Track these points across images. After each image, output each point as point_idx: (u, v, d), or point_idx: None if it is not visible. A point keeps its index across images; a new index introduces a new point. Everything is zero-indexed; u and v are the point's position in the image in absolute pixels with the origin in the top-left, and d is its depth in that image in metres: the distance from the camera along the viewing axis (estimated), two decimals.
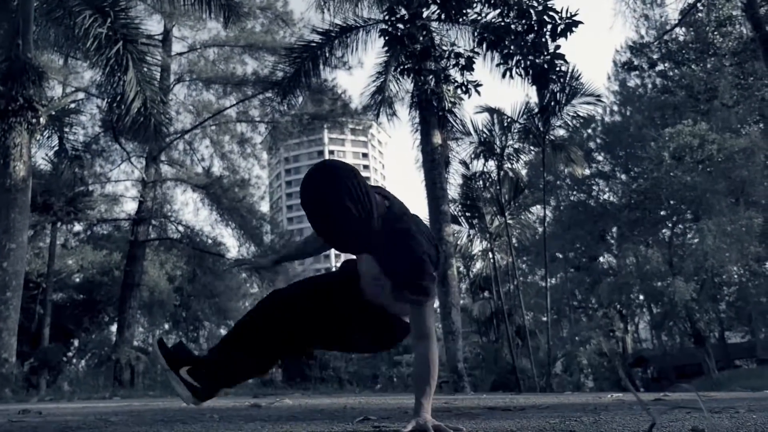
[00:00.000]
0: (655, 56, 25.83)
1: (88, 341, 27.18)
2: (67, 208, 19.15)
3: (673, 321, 29.39)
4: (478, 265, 21.42)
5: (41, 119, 10.64)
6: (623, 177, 39.09)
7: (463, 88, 8.46)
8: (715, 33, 17.81)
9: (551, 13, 6.20)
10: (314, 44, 14.57)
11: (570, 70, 11.33)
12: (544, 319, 34.36)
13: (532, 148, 16.31)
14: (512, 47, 6.44)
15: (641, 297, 33.20)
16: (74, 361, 27.21)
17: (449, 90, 10.03)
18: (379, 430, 1.90)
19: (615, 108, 36.55)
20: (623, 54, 35.33)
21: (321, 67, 15.21)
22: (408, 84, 13.94)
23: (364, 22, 14.27)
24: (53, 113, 11.12)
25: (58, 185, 18.00)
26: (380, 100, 15.84)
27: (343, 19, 14.97)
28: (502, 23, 6.65)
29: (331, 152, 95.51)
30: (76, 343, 26.76)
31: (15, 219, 10.06)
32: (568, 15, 6.21)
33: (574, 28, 5.92)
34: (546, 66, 6.31)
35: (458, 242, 17.07)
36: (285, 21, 20.96)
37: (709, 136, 24.09)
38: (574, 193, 38.17)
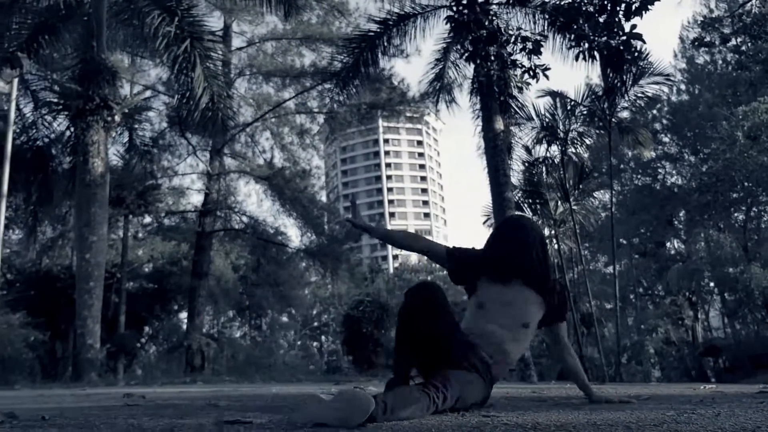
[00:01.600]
0: (727, 31, 24.52)
1: (159, 328, 28.39)
2: (138, 201, 19.97)
3: (748, 309, 28.04)
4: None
5: (116, 117, 11.09)
6: (692, 159, 37.44)
7: (531, 73, 8.27)
8: None
9: None
10: (372, 33, 14.54)
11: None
12: (609, 306, 33.51)
13: (595, 131, 15.81)
14: (585, 28, 6.22)
15: (712, 284, 31.83)
16: (147, 346, 28.47)
17: (516, 75, 9.82)
18: (484, 420, 1.90)
19: (682, 87, 34.99)
20: (691, 30, 33.76)
21: (379, 56, 15.19)
22: (468, 70, 13.77)
23: (422, 8, 14.14)
24: (126, 111, 11.56)
25: (129, 179, 18.77)
26: (439, 87, 15.71)
27: (401, 7, 14.91)
28: (574, 3, 6.44)
29: (386, 141, 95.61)
30: (147, 329, 28.00)
31: (95, 213, 10.56)
32: None
33: (650, 6, 5.66)
34: (622, 47, 6.06)
35: None
36: (341, 11, 21.03)
37: None
38: (639, 176, 36.87)
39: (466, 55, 10.58)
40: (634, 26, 5.91)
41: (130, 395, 3.74)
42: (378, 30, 14.42)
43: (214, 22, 21.58)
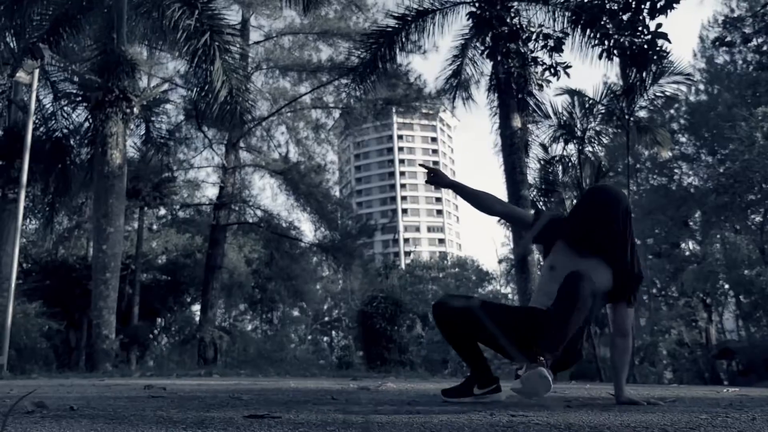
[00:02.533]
0: (747, 30, 24.15)
1: (172, 320, 28.62)
2: (153, 193, 20.11)
3: (763, 311, 27.73)
4: None
5: (135, 109, 11.16)
6: (709, 159, 37.00)
7: (552, 70, 8.20)
8: None
9: None
10: (390, 29, 14.51)
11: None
12: None
13: (613, 130, 15.67)
14: (609, 26, 6.15)
15: (727, 286, 31.50)
16: (159, 338, 28.72)
17: (536, 72, 9.75)
18: (514, 419, 1.88)
19: (701, 87, 34.58)
20: (711, 30, 33.33)
21: (396, 52, 15.16)
22: (485, 67, 13.70)
23: (441, 4, 14.08)
24: (144, 103, 11.63)
25: (145, 172, 18.91)
26: (456, 84, 15.66)
27: (419, 2, 14.84)
28: (597, 1, 6.37)
29: (400, 137, 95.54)
30: (160, 321, 28.24)
31: (113, 204, 10.65)
32: None
33: (675, 4, 5.57)
34: (646, 46, 5.98)
35: None
36: (359, 6, 21.02)
37: None
38: (655, 176, 36.52)
39: (487, 52, 10.51)
40: (659, 25, 5.85)
41: (150, 386, 3.77)
42: (396, 26, 14.39)
43: (233, 15, 21.67)
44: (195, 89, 11.31)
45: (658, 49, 6.19)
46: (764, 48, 18.28)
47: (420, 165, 3.38)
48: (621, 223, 2.66)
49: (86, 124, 12.22)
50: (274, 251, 21.50)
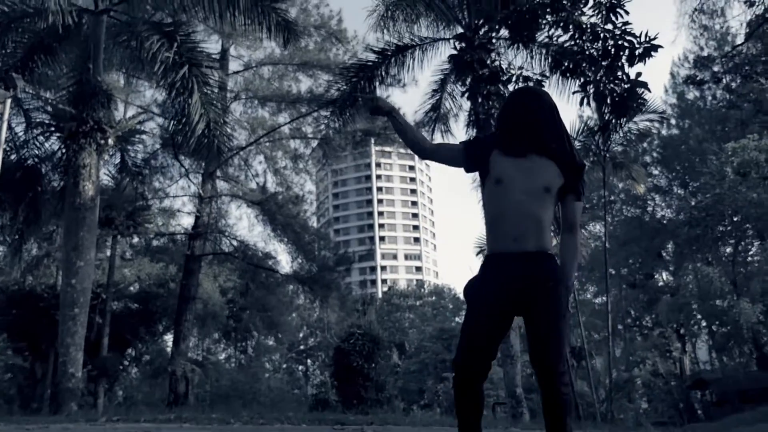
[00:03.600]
0: (716, 68, 24.86)
1: (143, 350, 27.90)
2: (127, 222, 19.73)
3: (736, 343, 28.07)
4: None
5: (109, 140, 10.97)
6: (681, 192, 37.78)
7: None
8: None
9: (629, 37, 5.98)
10: (370, 63, 14.60)
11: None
12: (597, 337, 33.41)
13: (588, 165, 15.86)
14: (590, 74, 6.25)
15: (701, 317, 31.91)
16: (129, 368, 27.96)
17: None
18: None
19: (673, 121, 35.45)
20: (682, 66, 34.34)
21: (376, 85, 15.24)
22: (465, 102, 13.81)
23: (420, 40, 14.23)
24: (120, 134, 11.45)
25: (119, 200, 18.58)
26: (435, 118, 15.79)
27: (399, 38, 14.99)
28: (575, 47, 6.48)
29: (378, 165, 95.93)
30: (131, 351, 27.52)
31: (83, 237, 10.38)
32: (647, 38, 5.98)
33: (653, 53, 5.68)
34: (626, 94, 6.09)
35: None
36: (339, 39, 21.17)
37: None
38: (629, 208, 37.12)
39: (467, 94, 10.60)
40: (639, 74, 5.94)
41: None
42: (376, 60, 14.48)
43: (212, 45, 21.68)
44: (172, 122, 11.16)
45: (638, 97, 6.30)
46: (733, 87, 18.81)
47: (359, 96, 3.43)
48: (549, 112, 2.61)
49: (58, 154, 11.97)
50: (249, 282, 21.20)
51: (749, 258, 32.07)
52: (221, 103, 11.44)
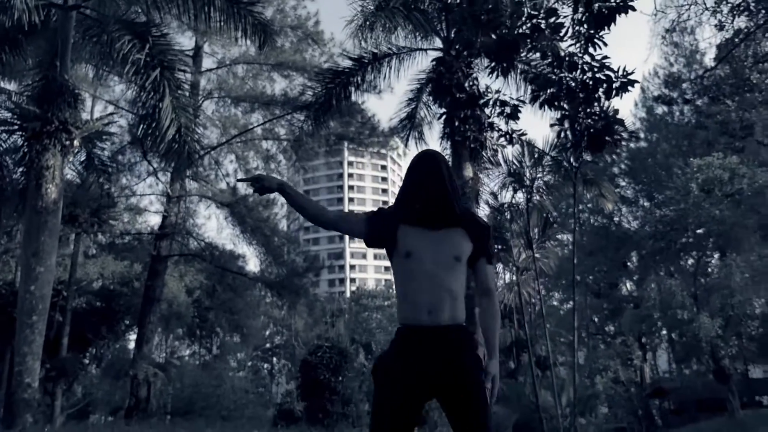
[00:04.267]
0: (685, 86, 25.33)
1: (104, 350, 27.24)
2: (91, 219, 19.21)
3: (695, 356, 28.75)
4: (503, 296, 21.07)
5: (75, 141, 10.63)
6: (646, 204, 38.55)
7: (507, 137, 8.31)
8: (752, 69, 17.43)
9: (607, 71, 6.01)
10: (346, 70, 14.50)
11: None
12: (562, 340, 33.86)
13: (559, 180, 16.01)
14: (567, 108, 6.27)
15: (662, 329, 32.62)
16: (89, 367, 27.27)
17: (492, 137, 9.87)
18: None
19: (641, 134, 36.12)
20: (651, 81, 35.04)
21: (352, 91, 15.14)
22: (440, 111, 13.78)
23: (398, 49, 14.18)
24: (86, 135, 11.10)
25: (84, 197, 18.06)
26: (410, 127, 15.75)
27: (376, 45, 14.90)
28: (553, 76, 6.49)
29: (351, 163, 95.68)
30: (92, 350, 26.83)
31: (44, 242, 10.03)
32: (625, 73, 6.02)
33: (630, 87, 5.72)
34: (603, 130, 6.11)
35: None
36: (315, 40, 20.96)
37: (739, 170, 23.62)
38: (597, 218, 37.69)
39: (444, 117, 10.57)
40: (616, 110, 5.97)
41: None
42: (353, 67, 14.39)
43: (185, 41, 21.26)
44: (141, 125, 10.85)
45: (615, 134, 6.34)
46: (701, 107, 19.20)
47: (238, 180, 3.29)
48: (448, 176, 2.56)
49: (22, 152, 11.54)
50: (216, 284, 20.84)
51: (710, 270, 32.86)
52: (193, 101, 11.16)
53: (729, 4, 16.58)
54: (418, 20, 12.79)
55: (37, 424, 8.87)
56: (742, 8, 16.66)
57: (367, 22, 12.93)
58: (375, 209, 2.72)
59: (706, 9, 16.26)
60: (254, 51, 20.98)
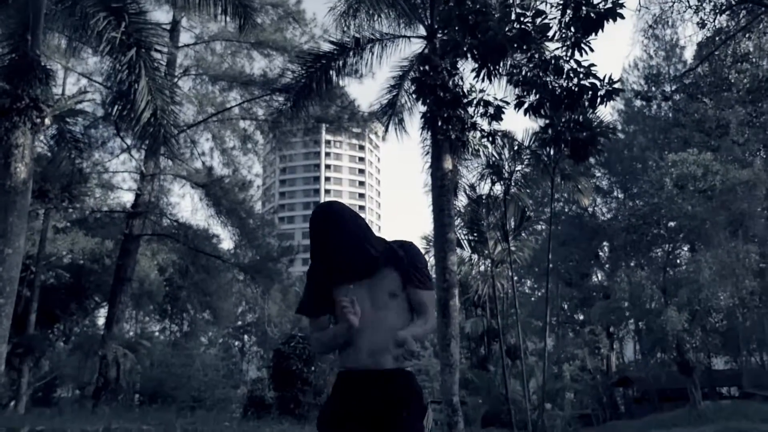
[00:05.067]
0: (663, 80, 25.55)
1: (73, 325, 26.85)
2: (62, 195, 18.76)
3: (662, 348, 29.44)
4: (476, 286, 21.20)
5: (46, 120, 10.29)
6: (620, 196, 39.09)
7: (490, 138, 8.25)
8: (731, 68, 17.62)
9: (593, 79, 5.97)
10: (328, 54, 14.26)
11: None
12: (535, 325, 34.32)
13: (538, 173, 16.06)
14: (552, 116, 6.22)
15: (632, 321, 33.28)
16: (57, 344, 26.87)
17: (475, 137, 9.79)
18: None
19: (618, 126, 36.45)
20: (630, 73, 35.27)
21: (333, 75, 14.92)
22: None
23: (381, 36, 13.98)
24: (58, 113, 10.75)
25: (54, 172, 17.59)
26: (390, 114, 15.60)
27: (359, 30, 14.68)
28: (538, 80, 6.43)
29: (327, 154, 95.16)
30: (60, 326, 26.42)
31: (13, 223, 9.72)
32: (609, 81, 6.00)
33: (615, 96, 5.70)
34: (588, 140, 6.08)
35: (460, 268, 16.86)
36: (296, 20, 20.57)
37: (713, 167, 24.03)
38: (572, 207, 38.09)
39: (427, 116, 10.44)
40: (601, 122, 5.94)
41: None
42: (335, 51, 14.15)
43: (162, 15, 20.70)
44: (116, 107, 10.54)
45: (598, 144, 6.32)
46: (680, 106, 19.38)
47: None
48: (351, 223, 2.40)
49: None
50: (189, 265, 20.58)
51: (678, 262, 33.55)
52: (170, 89, 10.88)
53: (711, 3, 16.70)
54: (402, 8, 12.61)
55: (1, 408, 8.68)
56: (724, 7, 16.78)
57: (351, 9, 12.69)
58: (301, 300, 2.58)
59: (689, 7, 16.34)
60: (233, 28, 20.54)
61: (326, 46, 14.60)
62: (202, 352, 33.48)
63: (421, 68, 9.57)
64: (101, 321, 25.78)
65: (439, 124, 9.64)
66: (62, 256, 23.89)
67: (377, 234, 2.53)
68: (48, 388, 31.39)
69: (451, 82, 9.02)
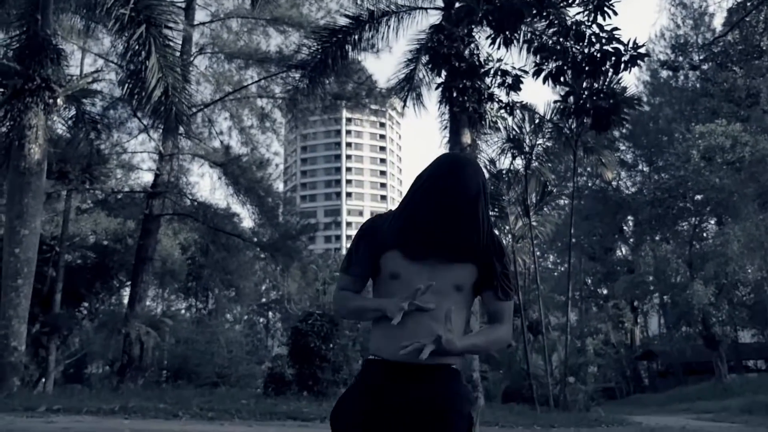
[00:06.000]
0: (692, 50, 24.67)
1: (98, 304, 27.28)
2: (82, 176, 18.87)
3: (687, 322, 28.99)
4: None
5: (58, 100, 10.24)
6: (646, 169, 38.25)
7: (508, 109, 7.92)
8: (763, 35, 16.90)
9: (616, 43, 5.63)
10: (343, 28, 13.99)
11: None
12: (558, 300, 34.05)
13: (560, 147, 15.65)
14: (573, 84, 5.91)
15: (657, 295, 32.79)
16: (84, 323, 27.37)
17: (492, 108, 9.46)
18: None
19: (644, 98, 35.47)
20: (657, 43, 34.18)
21: (349, 50, 14.66)
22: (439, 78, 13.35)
23: (397, 8, 13.65)
24: (71, 93, 10.70)
25: (74, 154, 17.65)
26: (408, 89, 15.30)
27: (374, 2, 14.34)
28: (558, 46, 6.10)
29: (348, 132, 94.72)
30: (86, 305, 26.86)
31: (28, 204, 9.76)
32: (635, 45, 5.64)
33: (641, 61, 5.38)
34: (611, 109, 5.76)
35: None
36: None
37: (742, 137, 23.27)
38: (595, 182, 37.41)
39: (442, 87, 10.13)
40: (624, 89, 5.63)
41: None
42: (350, 25, 13.88)
43: None
44: (127, 85, 10.44)
45: (622, 113, 5.99)
46: (708, 75, 18.71)
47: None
48: (474, 202, 1.85)
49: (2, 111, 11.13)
50: (210, 244, 20.65)
51: (704, 236, 32.86)
52: (182, 67, 10.73)
53: None
54: None
55: (25, 387, 8.80)
56: None
57: None
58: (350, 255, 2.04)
59: None
60: (249, 4, 20.28)
61: (342, 21, 14.34)
62: (227, 329, 33.90)
63: (436, 37, 9.23)
64: (126, 300, 26.12)
65: (455, 95, 9.32)
66: (86, 237, 24.17)
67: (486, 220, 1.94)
68: (79, 365, 32.13)
69: (466, 52, 8.70)
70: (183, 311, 37.25)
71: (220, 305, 39.03)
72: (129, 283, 22.32)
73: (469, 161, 1.94)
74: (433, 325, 1.81)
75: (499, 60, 7.63)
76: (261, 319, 56.75)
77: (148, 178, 20.76)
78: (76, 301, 24.67)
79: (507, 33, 5.98)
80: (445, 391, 1.87)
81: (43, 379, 20.42)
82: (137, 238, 19.73)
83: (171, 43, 10.19)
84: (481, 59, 8.46)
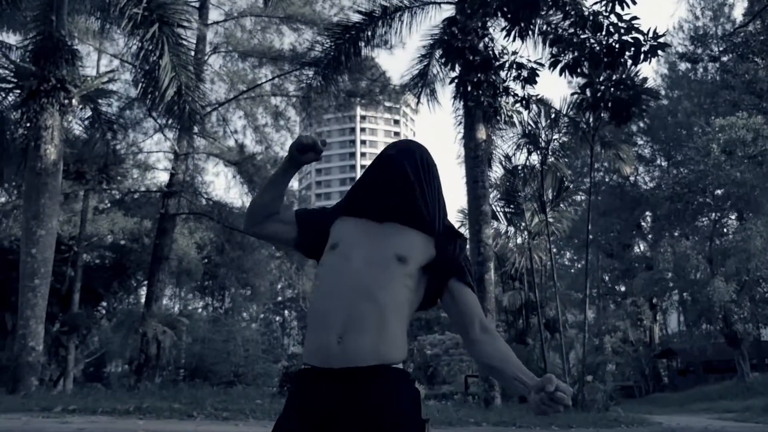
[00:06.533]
0: (711, 41, 24.22)
1: (116, 304, 27.54)
2: (99, 176, 19.03)
3: (708, 320, 28.54)
4: (513, 259, 20.78)
5: (73, 100, 10.27)
6: (664, 164, 37.73)
7: (524, 103, 7.80)
8: None
9: (636, 33, 5.48)
10: (356, 25, 13.90)
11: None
12: (574, 296, 33.75)
13: (575, 142, 15.44)
14: (591, 75, 5.77)
15: (676, 292, 32.31)
16: (102, 322, 27.64)
17: (507, 102, 9.34)
18: None
19: (662, 91, 34.97)
20: (675, 35, 33.68)
21: (362, 47, 14.58)
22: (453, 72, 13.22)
23: (410, 3, 13.53)
24: (86, 93, 10.73)
25: (90, 154, 17.79)
26: (422, 85, 15.19)
27: None
28: (575, 38, 5.96)
29: (363, 130, 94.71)
30: (104, 304, 27.13)
31: (45, 204, 9.81)
32: (654, 35, 5.48)
33: (661, 51, 5.22)
34: (631, 101, 5.62)
35: (496, 241, 16.48)
36: None
37: (764, 131, 22.78)
38: (612, 177, 36.99)
39: (456, 82, 10.01)
40: (644, 79, 5.48)
41: None
42: (363, 21, 13.79)
43: None
44: (140, 84, 10.45)
45: (642, 104, 5.84)
46: (728, 65, 18.35)
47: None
48: (425, 172, 1.77)
49: (20, 112, 11.21)
50: (225, 243, 20.72)
51: (725, 231, 32.32)
52: (197, 56, 10.71)
53: None
54: None
55: (42, 386, 8.84)
56: None
57: None
58: (314, 208, 1.91)
59: None
60: (262, 2, 20.29)
61: (355, 17, 14.26)
62: (243, 327, 34.07)
63: (449, 31, 9.09)
64: (144, 299, 26.33)
65: (470, 89, 9.19)
66: (104, 236, 24.39)
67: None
68: (98, 364, 32.50)
69: (480, 45, 8.57)
70: (199, 310, 37.53)
71: (236, 304, 39.23)
72: (146, 282, 22.52)
73: (415, 142, 1.93)
74: (365, 302, 1.55)
75: (514, 53, 7.49)
76: (277, 318, 57.06)
77: (163, 177, 20.93)
78: (95, 300, 24.90)
79: (522, 24, 5.85)
80: (388, 398, 1.53)
81: (63, 378, 20.67)
82: (154, 238, 19.86)
83: (184, 42, 10.18)
84: (496, 52, 8.32)
